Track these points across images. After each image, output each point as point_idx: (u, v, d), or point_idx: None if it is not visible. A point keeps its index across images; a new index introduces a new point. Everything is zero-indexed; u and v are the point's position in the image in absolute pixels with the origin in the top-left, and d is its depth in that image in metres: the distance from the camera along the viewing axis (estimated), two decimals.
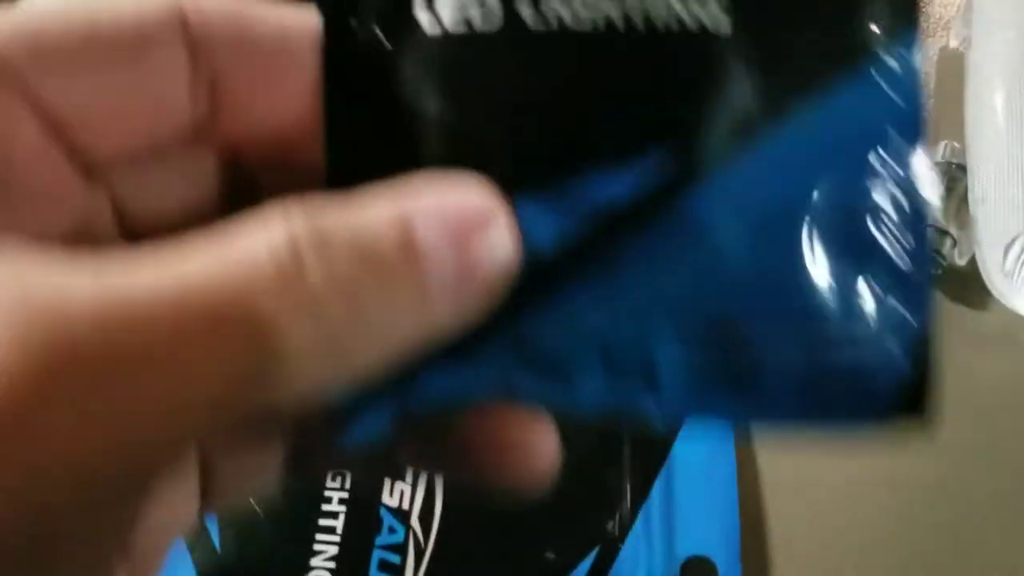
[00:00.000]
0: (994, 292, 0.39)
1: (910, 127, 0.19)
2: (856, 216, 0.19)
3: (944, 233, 0.40)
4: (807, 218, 0.19)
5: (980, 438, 0.38)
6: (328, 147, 0.19)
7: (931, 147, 0.45)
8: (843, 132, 0.19)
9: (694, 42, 0.19)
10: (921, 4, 0.19)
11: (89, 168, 0.18)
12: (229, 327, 0.14)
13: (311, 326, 0.15)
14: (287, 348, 0.15)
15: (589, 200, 0.18)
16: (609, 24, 0.18)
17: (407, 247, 0.16)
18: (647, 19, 0.19)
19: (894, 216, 0.19)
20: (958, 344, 0.41)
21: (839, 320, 0.19)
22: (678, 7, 0.19)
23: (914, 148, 0.19)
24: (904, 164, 0.19)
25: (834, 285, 0.19)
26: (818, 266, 0.19)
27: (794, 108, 0.19)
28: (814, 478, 0.40)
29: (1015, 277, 0.38)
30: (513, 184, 0.18)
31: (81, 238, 0.18)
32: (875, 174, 0.19)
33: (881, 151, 0.19)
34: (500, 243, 0.17)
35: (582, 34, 0.18)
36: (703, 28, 0.19)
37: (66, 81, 0.17)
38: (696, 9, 0.19)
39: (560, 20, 0.18)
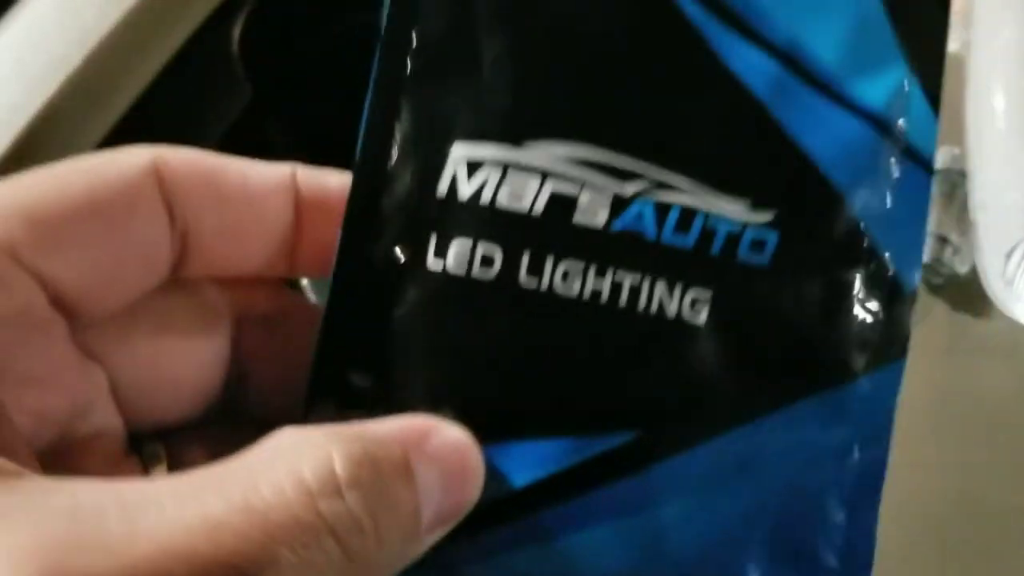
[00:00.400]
0: (995, 300, 0.38)
1: (871, 465, 0.20)
2: (801, 531, 0.20)
3: (944, 240, 0.40)
4: (754, 520, 0.20)
5: (981, 447, 0.38)
6: (318, 357, 0.20)
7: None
8: (803, 447, 0.20)
9: (671, 328, 0.20)
10: (910, 338, 0.20)
11: (88, 348, 0.19)
12: None
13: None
14: None
15: (550, 460, 0.19)
16: (595, 295, 0.19)
17: (412, 481, 0.17)
18: (631, 298, 0.19)
19: (840, 536, 0.20)
20: (959, 353, 0.40)
21: None
22: (659, 290, 0.20)
23: (871, 489, 0.20)
24: (856, 504, 0.20)
25: None
26: (757, 570, 0.20)
27: (759, 413, 0.20)
28: None
29: (1015, 284, 0.37)
30: (486, 431, 0.19)
31: (78, 420, 0.19)
32: (828, 497, 0.20)
33: (838, 481, 0.20)
34: (475, 483, 0.18)
35: (567, 300, 0.19)
36: (679, 316, 0.20)
37: (66, 253, 0.18)
38: (676, 296, 0.20)
39: (551, 283, 0.19)
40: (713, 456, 0.20)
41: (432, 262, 0.19)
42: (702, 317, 0.20)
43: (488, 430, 0.19)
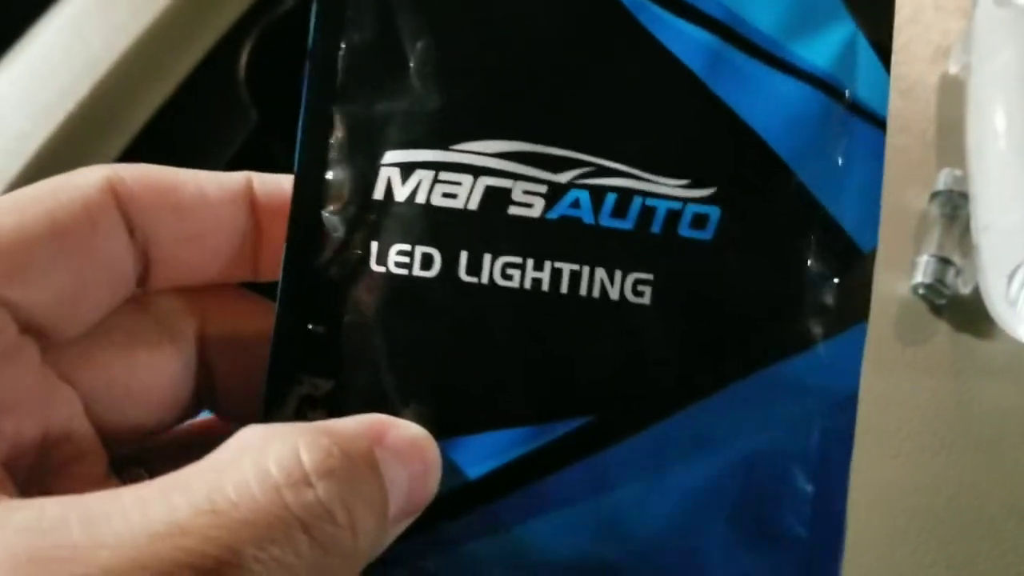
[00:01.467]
0: (998, 321, 0.38)
1: (838, 432, 0.20)
2: (764, 505, 0.20)
3: (947, 261, 0.40)
4: (714, 498, 0.19)
5: (985, 467, 0.38)
6: (272, 362, 0.20)
7: (933, 175, 0.44)
8: (762, 420, 0.20)
9: (616, 311, 0.20)
10: (870, 295, 0.20)
11: (59, 371, 0.19)
12: None
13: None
14: None
15: (505, 450, 0.19)
16: (536, 284, 0.20)
17: (379, 472, 0.17)
18: (572, 284, 0.20)
19: (808, 508, 0.20)
20: (963, 373, 0.40)
21: None
22: (600, 274, 0.20)
23: (839, 456, 0.20)
24: (824, 473, 0.20)
25: (737, 565, 0.20)
26: (721, 545, 0.19)
27: (714, 388, 0.20)
28: None
29: (1019, 305, 0.37)
30: (441, 426, 0.19)
31: (57, 444, 0.19)
32: (792, 468, 0.20)
33: (802, 451, 0.20)
34: (434, 477, 0.19)
35: (509, 290, 0.20)
36: (623, 298, 0.20)
37: (33, 278, 0.18)
38: (618, 280, 0.20)
39: (491, 276, 0.20)
40: (668, 435, 0.19)
41: (375, 265, 0.20)
42: (646, 298, 0.19)
43: (443, 425, 0.19)
